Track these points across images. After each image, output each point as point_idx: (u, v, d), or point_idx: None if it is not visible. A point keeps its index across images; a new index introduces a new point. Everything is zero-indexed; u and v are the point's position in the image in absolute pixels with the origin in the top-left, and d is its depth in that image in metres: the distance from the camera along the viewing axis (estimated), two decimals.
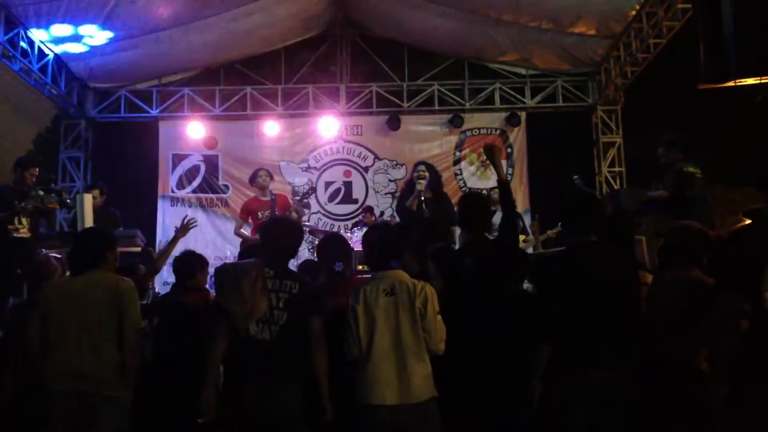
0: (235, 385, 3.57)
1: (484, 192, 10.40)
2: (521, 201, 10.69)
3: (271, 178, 7.95)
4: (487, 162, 11.39)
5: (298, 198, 8.22)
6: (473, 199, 4.87)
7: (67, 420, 3.60)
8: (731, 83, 6.20)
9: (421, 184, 6.20)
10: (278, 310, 3.55)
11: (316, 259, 6.42)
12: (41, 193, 6.42)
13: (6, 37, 8.63)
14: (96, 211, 7.38)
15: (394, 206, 11.13)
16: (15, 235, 6.31)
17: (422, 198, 6.19)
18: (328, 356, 3.63)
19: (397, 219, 8.53)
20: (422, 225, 5.99)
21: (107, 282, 3.81)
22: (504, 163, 11.49)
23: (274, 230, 3.94)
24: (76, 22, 9.02)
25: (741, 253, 3.09)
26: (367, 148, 11.75)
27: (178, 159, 11.59)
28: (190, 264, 4.83)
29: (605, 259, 3.56)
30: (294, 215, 7.52)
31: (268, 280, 3.60)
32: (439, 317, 3.56)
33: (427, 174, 6.31)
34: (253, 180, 7.85)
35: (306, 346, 3.56)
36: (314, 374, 3.54)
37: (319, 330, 3.60)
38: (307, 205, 11.26)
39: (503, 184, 4.43)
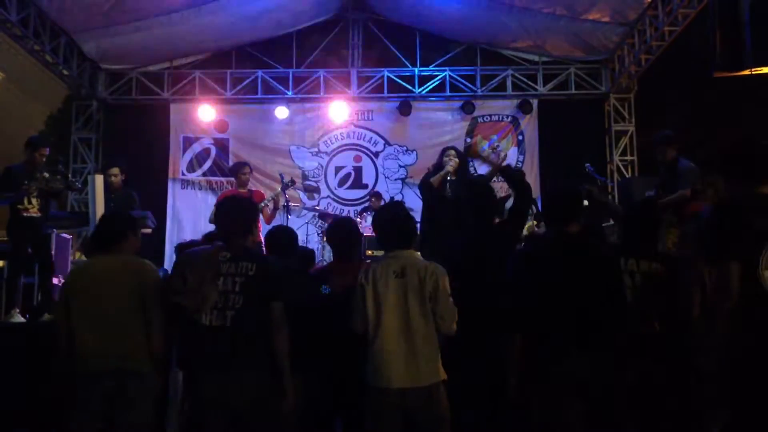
0: (196, 376, 3.50)
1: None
2: (532, 188, 10.62)
3: (251, 172, 8.01)
4: (499, 149, 11.38)
5: (280, 188, 8.21)
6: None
7: (102, 400, 3.60)
8: (747, 72, 6.14)
9: (451, 166, 6.11)
10: (234, 294, 3.42)
11: (316, 247, 6.41)
12: (46, 175, 6.43)
13: (19, 17, 8.61)
14: (115, 190, 7.42)
15: (403, 192, 11.15)
16: (25, 214, 6.34)
17: (448, 178, 6.10)
18: (338, 337, 3.62)
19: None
20: (444, 205, 5.93)
21: (131, 265, 3.81)
22: (514, 150, 11.47)
23: (225, 209, 3.80)
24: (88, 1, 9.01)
25: (738, 225, 3.02)
26: (377, 134, 11.71)
27: (188, 142, 11.60)
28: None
29: (577, 250, 3.51)
30: (270, 205, 7.53)
31: (224, 264, 3.47)
32: (450, 299, 3.53)
33: (457, 159, 6.23)
34: (235, 173, 7.89)
35: (266, 330, 3.45)
36: (275, 359, 3.44)
37: (279, 314, 3.47)
38: (317, 190, 11.27)
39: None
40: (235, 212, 3.72)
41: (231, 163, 11.42)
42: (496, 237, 4.16)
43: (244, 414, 3.39)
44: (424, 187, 6.22)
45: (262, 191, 8.31)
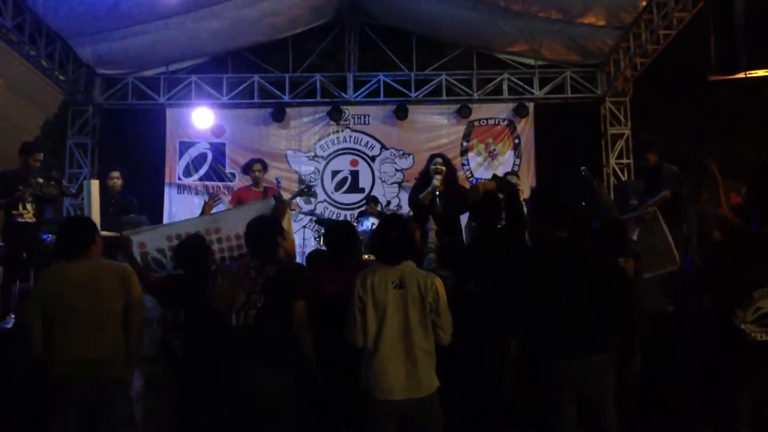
0: (224, 373, 3.68)
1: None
2: (528, 192, 10.64)
3: (265, 170, 7.94)
4: (495, 152, 11.45)
5: (302, 190, 8.20)
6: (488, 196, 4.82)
7: (81, 406, 3.59)
8: (742, 75, 6.16)
9: (438, 180, 6.04)
10: (256, 295, 3.69)
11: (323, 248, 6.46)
12: (40, 181, 6.42)
13: (14, 23, 8.59)
14: (114, 194, 7.47)
15: (400, 196, 11.15)
16: (20, 220, 6.33)
17: (436, 193, 6.05)
18: (328, 343, 3.64)
19: (405, 209, 8.51)
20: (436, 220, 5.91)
21: (113, 269, 3.82)
22: (511, 153, 11.50)
23: (252, 232, 4.03)
24: (84, 6, 9.01)
25: (732, 270, 3.08)
26: (374, 138, 11.72)
27: (185, 146, 11.59)
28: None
29: (572, 254, 3.48)
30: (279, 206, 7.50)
31: (252, 270, 3.77)
32: (448, 310, 3.54)
33: (444, 168, 6.16)
34: (246, 171, 7.90)
35: (289, 329, 3.67)
36: (301, 353, 3.64)
37: (301, 313, 3.70)
38: (314, 194, 11.26)
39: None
40: (261, 233, 3.99)
41: (227, 167, 11.46)
42: (499, 241, 4.16)
43: (262, 409, 3.53)
44: (414, 205, 6.20)
45: (276, 189, 8.30)
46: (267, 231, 4.00)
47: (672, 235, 6.08)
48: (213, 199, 5.77)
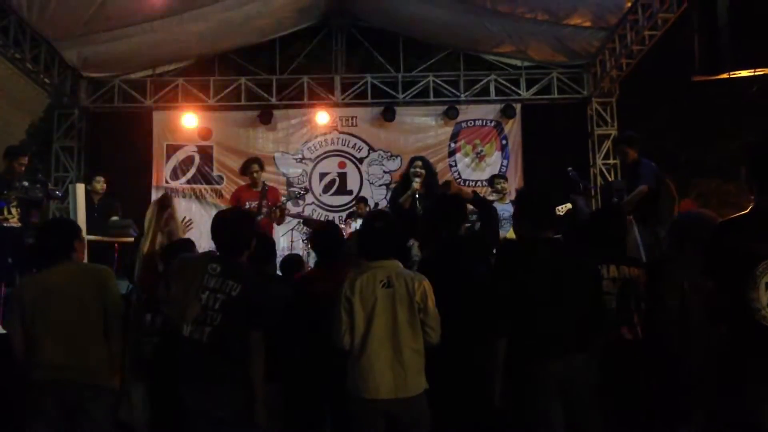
0: (176, 385, 3.49)
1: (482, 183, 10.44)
2: (515, 193, 10.68)
3: (262, 169, 7.88)
4: (482, 153, 11.48)
5: (294, 193, 8.20)
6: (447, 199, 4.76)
7: (58, 411, 3.57)
8: (725, 75, 6.19)
9: (417, 183, 6.09)
10: (213, 312, 3.39)
11: (300, 253, 6.47)
12: (26, 184, 6.41)
13: None
14: (99, 199, 7.55)
15: (388, 198, 11.15)
16: (5, 225, 6.30)
17: (416, 196, 6.10)
18: (317, 344, 3.61)
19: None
20: (411, 221, 5.93)
21: (89, 272, 3.77)
22: (498, 154, 11.53)
23: (223, 223, 3.70)
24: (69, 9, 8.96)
25: (733, 245, 2.97)
26: (361, 140, 11.72)
27: (172, 149, 11.55)
28: None
29: (555, 254, 3.51)
30: (277, 212, 7.47)
31: (211, 278, 3.46)
32: (436, 309, 3.53)
33: (423, 172, 6.20)
34: (243, 171, 7.84)
35: (243, 350, 3.42)
36: (251, 378, 3.43)
37: (256, 342, 3.44)
38: (302, 197, 11.24)
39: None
40: (231, 228, 3.67)
41: (215, 170, 11.44)
42: (467, 244, 4.16)
43: (229, 421, 3.38)
44: (395, 208, 6.22)
45: (277, 189, 8.25)
46: (238, 232, 3.68)
47: (644, 238, 6.10)
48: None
